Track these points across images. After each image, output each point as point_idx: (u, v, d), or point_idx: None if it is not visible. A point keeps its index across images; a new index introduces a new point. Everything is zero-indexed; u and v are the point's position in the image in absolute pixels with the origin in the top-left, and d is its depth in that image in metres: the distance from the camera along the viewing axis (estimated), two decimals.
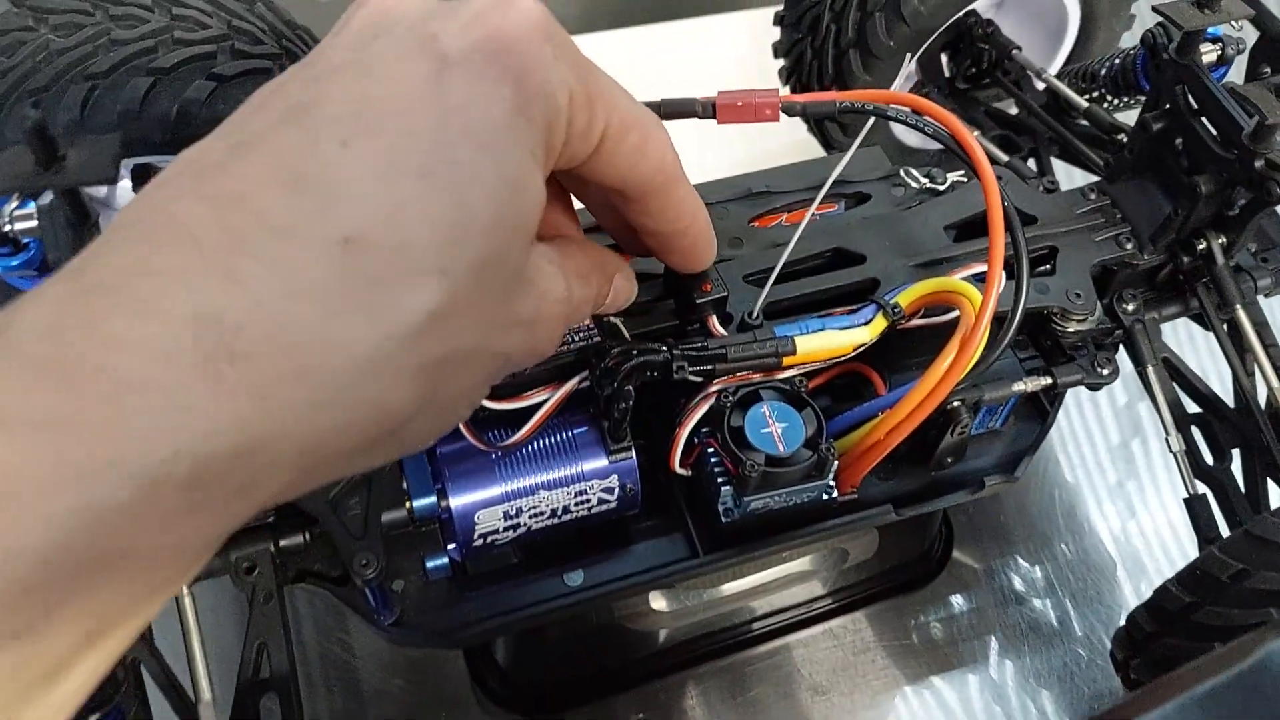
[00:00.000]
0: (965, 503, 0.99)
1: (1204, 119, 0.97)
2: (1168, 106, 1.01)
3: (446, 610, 0.93)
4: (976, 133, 1.23)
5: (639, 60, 1.77)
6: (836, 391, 1.03)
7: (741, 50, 1.79)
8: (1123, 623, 1.07)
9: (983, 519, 1.31)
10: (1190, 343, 1.44)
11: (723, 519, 0.90)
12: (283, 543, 0.90)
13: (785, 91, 1.44)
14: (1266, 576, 0.88)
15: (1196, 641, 0.93)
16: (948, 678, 1.21)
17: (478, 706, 1.15)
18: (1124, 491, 1.37)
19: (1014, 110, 1.34)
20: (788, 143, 1.57)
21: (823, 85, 1.35)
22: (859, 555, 1.20)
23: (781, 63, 1.43)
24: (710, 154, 1.62)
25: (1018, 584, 1.27)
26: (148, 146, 1.00)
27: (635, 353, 0.87)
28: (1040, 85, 1.28)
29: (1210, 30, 0.99)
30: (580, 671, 1.18)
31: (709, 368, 0.89)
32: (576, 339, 0.89)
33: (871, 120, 0.94)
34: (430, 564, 0.92)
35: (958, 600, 1.26)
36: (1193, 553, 1.05)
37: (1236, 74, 1.06)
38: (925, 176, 1.09)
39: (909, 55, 1.25)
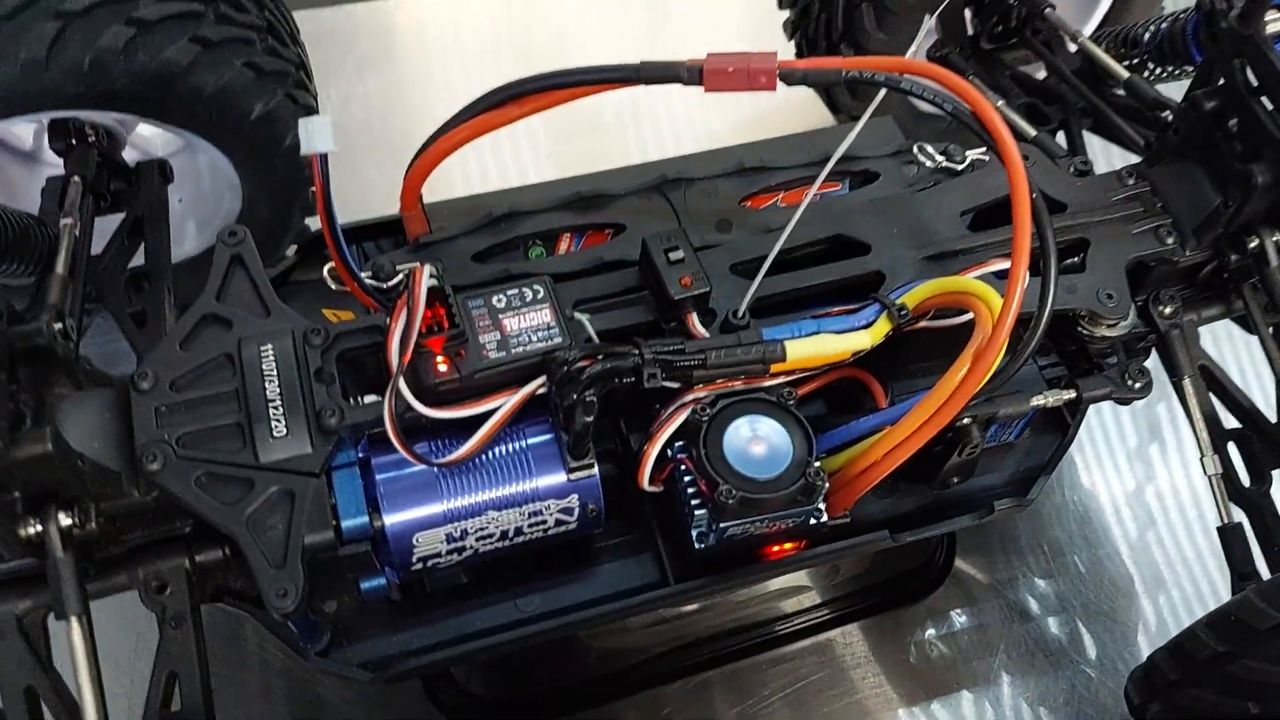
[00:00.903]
0: (971, 534, 0.88)
1: (1265, 99, 0.84)
2: (1222, 82, 0.88)
3: (382, 638, 0.83)
4: (1001, 102, 1.10)
5: (635, 4, 1.64)
6: (831, 396, 0.92)
7: None
8: (1142, 656, 0.97)
9: (990, 525, 1.19)
10: (1212, 338, 1.32)
11: (695, 545, 0.79)
12: (199, 557, 0.80)
13: (789, 49, 1.31)
14: None
15: (1228, 697, 0.83)
16: (947, 701, 1.11)
17: None
18: (1142, 497, 1.26)
19: (1043, 75, 1.21)
20: (795, 99, 1.43)
21: (831, 41, 1.22)
22: (851, 568, 1.10)
23: (787, 14, 1.29)
24: (712, 114, 1.49)
25: (1026, 597, 1.17)
26: (59, 100, 0.88)
27: (601, 357, 0.75)
28: (1074, 48, 1.15)
29: None
30: (544, 686, 1.08)
31: (686, 375, 0.78)
32: (535, 338, 0.77)
33: (882, 90, 0.82)
34: (365, 585, 0.81)
35: (960, 615, 1.15)
36: (1219, 568, 0.95)
37: None
38: (941, 154, 0.97)
39: (928, 15, 1.12)
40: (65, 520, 0.71)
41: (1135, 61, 1.10)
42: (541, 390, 0.77)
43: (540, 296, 0.79)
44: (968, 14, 1.25)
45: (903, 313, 0.81)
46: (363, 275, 0.82)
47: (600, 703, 1.09)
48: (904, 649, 1.14)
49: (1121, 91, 1.06)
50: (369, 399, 0.78)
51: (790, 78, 0.81)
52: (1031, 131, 1.04)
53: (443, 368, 0.74)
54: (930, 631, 1.15)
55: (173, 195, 1.11)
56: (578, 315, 0.81)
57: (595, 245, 0.92)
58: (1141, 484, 1.26)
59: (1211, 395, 0.96)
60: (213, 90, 0.92)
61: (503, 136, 1.49)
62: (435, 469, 0.76)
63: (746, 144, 0.99)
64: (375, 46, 1.54)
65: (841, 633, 1.14)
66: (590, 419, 0.75)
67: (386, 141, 1.43)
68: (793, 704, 1.10)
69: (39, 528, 0.71)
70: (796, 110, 1.45)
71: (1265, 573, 0.89)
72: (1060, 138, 1.13)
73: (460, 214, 0.93)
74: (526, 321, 0.78)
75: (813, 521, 0.80)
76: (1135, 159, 0.99)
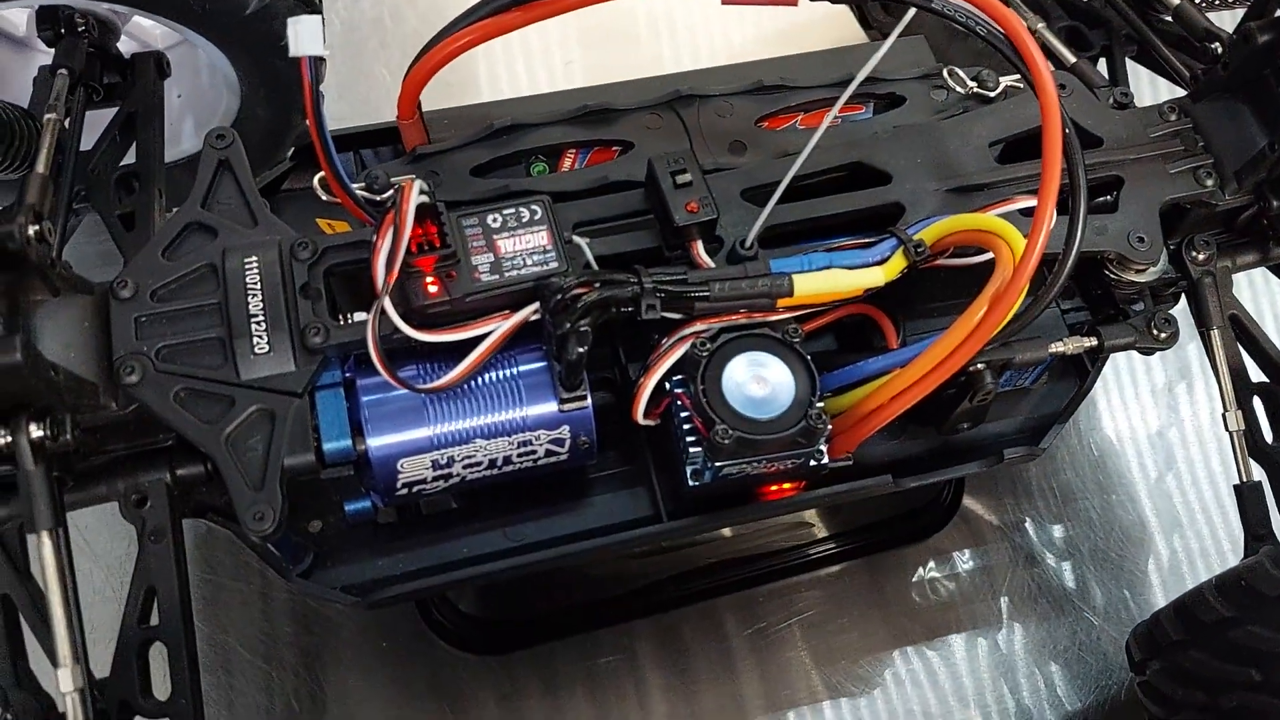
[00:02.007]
0: (979, 473, 0.85)
1: None
2: (1279, 14, 0.82)
3: (367, 561, 0.81)
4: (1041, 24, 1.04)
5: None
6: (841, 332, 0.88)
7: None
8: (1149, 607, 0.94)
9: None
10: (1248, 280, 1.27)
11: (690, 483, 0.77)
12: (180, 472, 0.77)
13: None
14: None
15: (1229, 663, 0.80)
16: (947, 641, 1.09)
17: (423, 640, 1.04)
18: (1164, 441, 1.22)
19: None
20: (835, 13, 1.36)
21: None
22: (857, 505, 1.08)
23: None
24: (748, 28, 1.43)
25: (1033, 541, 1.14)
26: None
27: (598, 285, 0.72)
28: None
29: None
30: (538, 610, 1.07)
31: (687, 307, 0.74)
32: (530, 262, 0.74)
33: (912, 9, 0.77)
34: (350, 507, 0.79)
35: (965, 556, 1.13)
36: (1237, 520, 0.91)
37: None
38: (973, 79, 0.92)
39: None
40: (37, 432, 0.69)
41: None
42: (535, 317, 0.74)
43: (538, 217, 0.75)
44: None
45: (919, 249, 0.77)
46: (355, 187, 0.78)
47: (599, 626, 1.07)
48: (907, 587, 1.12)
49: (1170, 19, 1.00)
50: (359, 316, 0.75)
51: None
52: (1071, 58, 0.98)
53: (433, 289, 0.71)
54: (934, 570, 1.13)
55: (171, 90, 1.07)
56: (576, 238, 0.77)
57: (601, 163, 0.87)
58: (1162, 428, 1.23)
59: (1240, 346, 0.92)
60: None
61: (532, 41, 1.45)
62: (422, 395, 0.73)
63: (767, 60, 0.93)
64: None
65: (846, 567, 1.12)
66: (584, 349, 0.71)
67: (399, 40, 1.37)
68: (797, 634, 1.09)
69: (9, 439, 0.69)
70: (837, 26, 1.38)
71: None
72: (1103, 66, 1.07)
73: (462, 124, 0.89)
74: (522, 243, 0.74)
75: (813, 463, 0.77)
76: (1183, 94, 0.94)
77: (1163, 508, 1.18)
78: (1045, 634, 1.10)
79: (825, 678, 1.08)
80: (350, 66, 1.35)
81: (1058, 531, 1.15)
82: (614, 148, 0.89)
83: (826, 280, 0.76)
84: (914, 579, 1.13)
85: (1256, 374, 0.92)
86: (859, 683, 1.08)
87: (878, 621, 1.11)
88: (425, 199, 0.71)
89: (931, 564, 1.13)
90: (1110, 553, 1.14)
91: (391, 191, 0.74)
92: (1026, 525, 1.15)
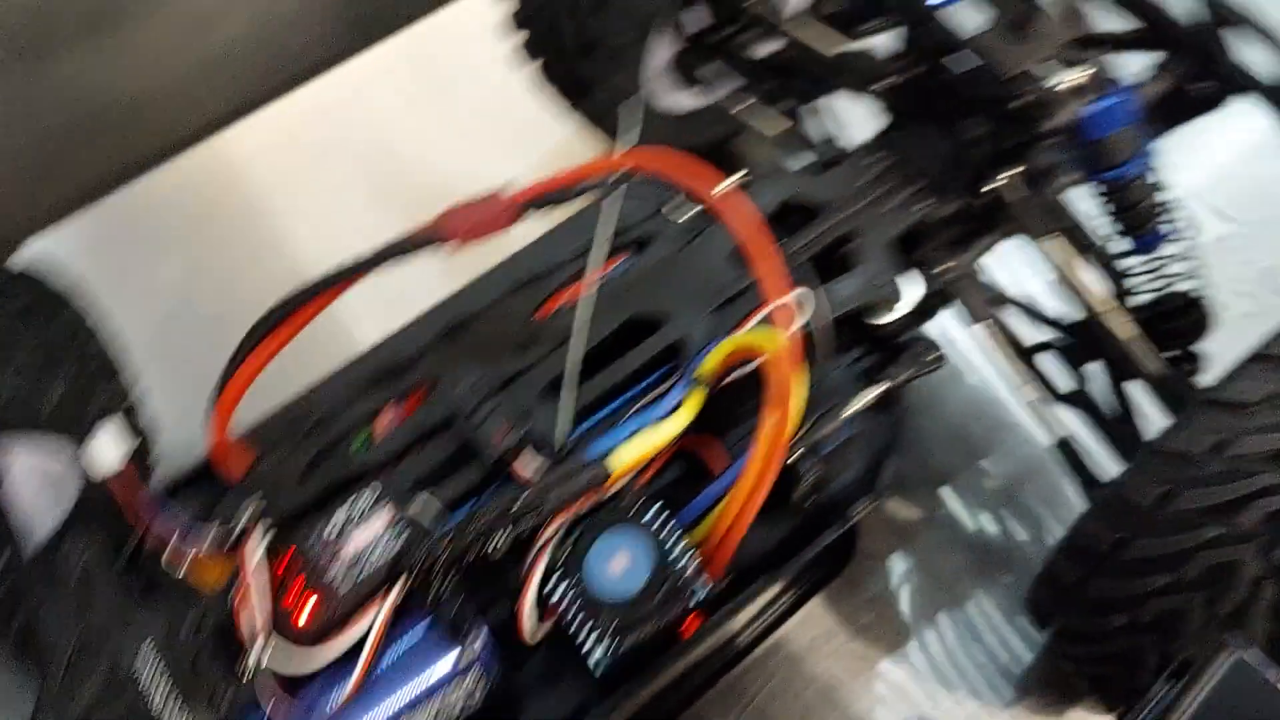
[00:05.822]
0: (839, 532, 0.92)
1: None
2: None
3: None
4: (749, 103, 1.11)
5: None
6: (685, 460, 0.95)
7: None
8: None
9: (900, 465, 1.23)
10: None
11: (596, 673, 0.83)
12: None
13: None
14: (1193, 494, 0.81)
15: (1135, 578, 0.85)
16: (916, 636, 1.17)
17: None
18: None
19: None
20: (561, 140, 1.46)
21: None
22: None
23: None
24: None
25: (955, 516, 1.22)
26: None
27: (443, 544, 0.78)
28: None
29: None
30: None
31: (528, 526, 0.81)
32: (381, 547, 0.80)
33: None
34: None
35: (898, 558, 1.21)
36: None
37: None
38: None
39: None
40: None
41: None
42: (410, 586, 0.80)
43: (373, 502, 0.82)
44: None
45: (706, 381, 0.85)
46: (208, 542, 0.83)
47: None
48: (855, 613, 1.19)
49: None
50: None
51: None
52: (772, 130, 1.05)
53: (303, 620, 0.77)
54: (876, 586, 1.20)
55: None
56: (419, 499, 0.83)
57: (416, 410, 0.93)
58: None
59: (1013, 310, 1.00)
60: None
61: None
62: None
63: (514, 254, 0.99)
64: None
65: (790, 624, 1.18)
66: (461, 596, 0.79)
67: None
68: (779, 701, 1.15)
69: None
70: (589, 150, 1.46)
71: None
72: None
73: (280, 428, 0.93)
74: (368, 532, 0.80)
75: (698, 598, 0.83)
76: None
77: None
78: (1006, 589, 1.18)
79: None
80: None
81: (972, 497, 1.23)
82: (423, 388, 0.94)
83: (639, 445, 0.83)
84: (858, 602, 1.19)
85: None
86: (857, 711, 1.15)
87: (842, 657, 1.17)
88: (266, 541, 0.77)
89: (867, 583, 1.21)
90: (1027, 496, 1.23)
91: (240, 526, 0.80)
92: (942, 505, 1.24)
